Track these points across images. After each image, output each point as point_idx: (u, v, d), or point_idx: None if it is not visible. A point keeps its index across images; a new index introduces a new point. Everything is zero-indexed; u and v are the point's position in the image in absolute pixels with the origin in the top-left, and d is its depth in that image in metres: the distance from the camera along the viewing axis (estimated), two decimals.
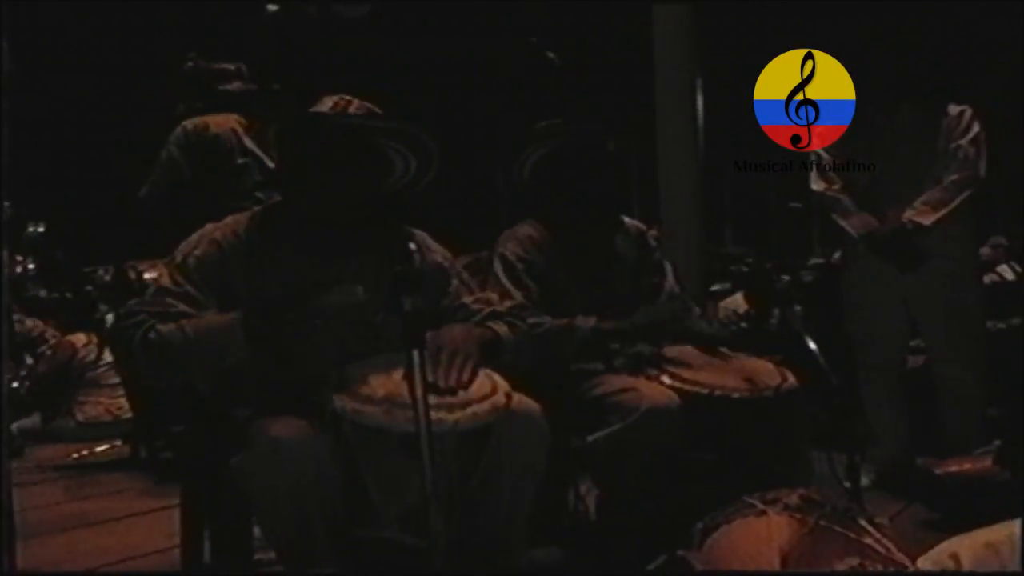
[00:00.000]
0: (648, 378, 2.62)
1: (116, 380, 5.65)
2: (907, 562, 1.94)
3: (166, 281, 2.20)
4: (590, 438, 2.54)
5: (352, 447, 1.95)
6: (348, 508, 1.97)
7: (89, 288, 7.08)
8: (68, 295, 7.96)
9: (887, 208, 3.60)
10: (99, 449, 5.53)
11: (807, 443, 2.74)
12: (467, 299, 2.41)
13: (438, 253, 2.45)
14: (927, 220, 3.50)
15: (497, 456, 2.05)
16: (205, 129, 3.96)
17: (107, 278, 5.30)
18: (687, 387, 2.58)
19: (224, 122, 3.99)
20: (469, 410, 1.95)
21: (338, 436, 1.96)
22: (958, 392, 3.64)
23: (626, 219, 3.08)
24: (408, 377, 1.71)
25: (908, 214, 3.52)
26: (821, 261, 7.15)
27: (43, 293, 8.53)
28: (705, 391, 2.57)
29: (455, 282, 2.43)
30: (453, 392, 1.97)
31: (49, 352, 6.34)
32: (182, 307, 2.15)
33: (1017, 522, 1.61)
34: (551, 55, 4.16)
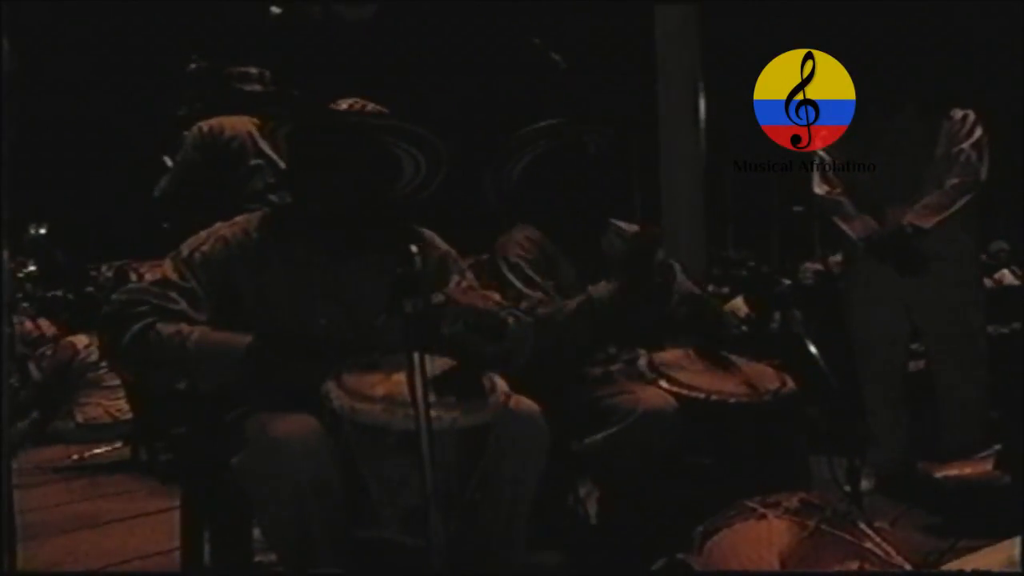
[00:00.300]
0: (645, 382, 2.62)
1: (116, 382, 5.64)
2: (906, 566, 1.94)
3: (171, 273, 2.20)
4: (587, 441, 2.54)
5: (352, 447, 1.95)
6: (348, 508, 1.97)
7: (90, 289, 7.09)
8: (69, 296, 7.98)
9: (888, 211, 3.60)
10: (99, 451, 5.52)
11: (806, 447, 2.73)
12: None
13: (442, 250, 2.46)
14: (927, 223, 3.49)
15: (496, 456, 2.06)
16: (221, 130, 3.97)
17: (109, 274, 5.29)
18: (684, 391, 2.57)
19: (239, 124, 4.00)
20: (468, 409, 1.96)
21: (338, 436, 1.96)
22: (958, 396, 3.64)
23: (623, 224, 3.08)
24: (409, 379, 1.71)
25: (908, 217, 3.52)
26: (819, 267, 7.15)
27: (57, 294, 8.56)
28: (702, 396, 2.57)
29: (456, 278, 2.43)
30: (452, 394, 1.98)
31: (50, 352, 6.34)
32: (183, 304, 2.15)
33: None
34: (556, 56, 4.16)
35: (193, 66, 4.31)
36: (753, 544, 2.04)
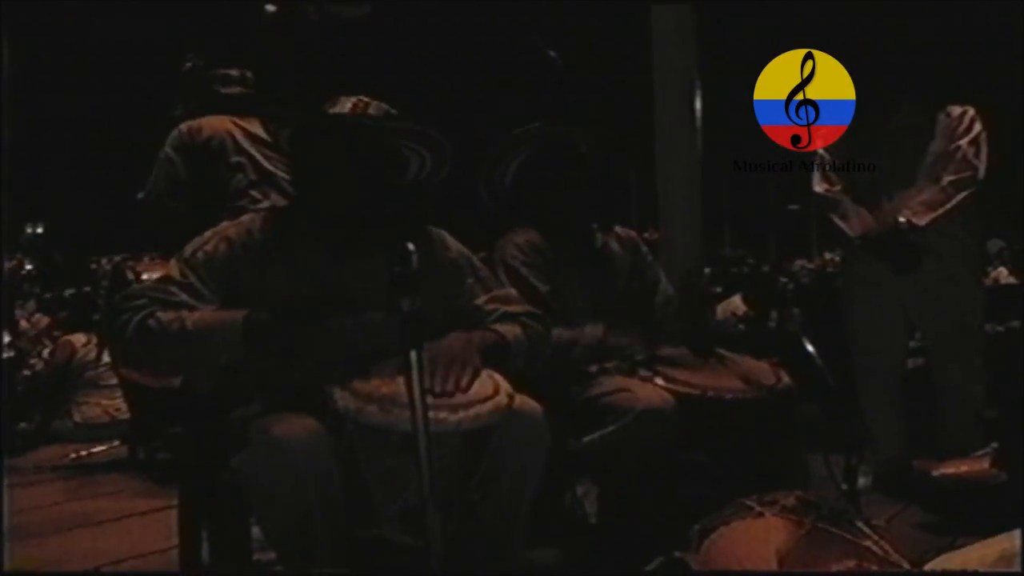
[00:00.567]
0: (642, 379, 2.63)
1: (114, 381, 5.63)
2: (904, 564, 1.94)
3: (173, 272, 2.21)
4: (585, 439, 2.54)
5: (353, 446, 1.96)
6: (349, 507, 1.97)
7: (87, 288, 7.09)
8: (67, 294, 7.98)
9: (885, 208, 3.60)
10: (97, 450, 5.52)
11: (803, 443, 2.74)
12: (481, 299, 2.40)
13: (454, 251, 2.45)
14: (922, 220, 3.49)
15: (498, 456, 2.06)
16: (199, 131, 3.98)
17: (109, 267, 5.29)
18: (681, 388, 2.58)
19: (219, 123, 4.01)
20: (472, 411, 1.96)
21: (340, 435, 1.96)
22: (956, 394, 3.64)
23: (618, 227, 3.09)
24: (407, 377, 1.71)
25: (904, 214, 3.52)
26: (810, 266, 7.17)
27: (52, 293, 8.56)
28: (698, 392, 2.57)
29: (470, 280, 2.43)
30: (452, 394, 1.98)
31: (48, 352, 6.34)
32: (184, 297, 2.16)
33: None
34: (553, 54, 4.16)
35: (189, 65, 4.31)
36: (750, 542, 2.04)
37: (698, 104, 4.59)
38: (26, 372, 6.41)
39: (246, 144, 3.81)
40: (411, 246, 1.79)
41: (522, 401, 2.09)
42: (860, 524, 2.05)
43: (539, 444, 2.12)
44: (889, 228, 3.54)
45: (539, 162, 2.90)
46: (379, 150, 2.30)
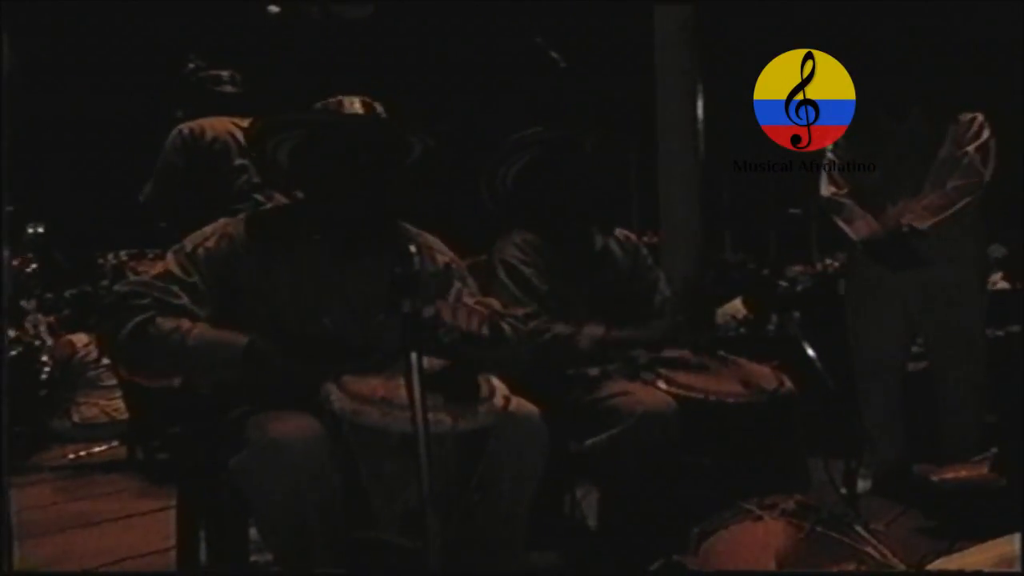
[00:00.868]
0: (644, 383, 2.62)
1: (113, 381, 5.63)
2: (902, 568, 1.94)
3: (174, 267, 2.19)
4: (587, 443, 2.54)
5: (351, 448, 1.95)
6: (346, 509, 1.97)
7: (88, 288, 7.08)
8: (67, 294, 7.97)
9: (889, 212, 3.60)
10: (95, 450, 5.52)
11: (804, 448, 2.73)
12: (467, 301, 2.41)
13: (445, 256, 2.47)
14: (923, 224, 3.49)
15: (496, 459, 2.06)
16: (201, 133, 3.99)
17: (114, 262, 5.29)
18: (683, 392, 2.57)
19: (220, 125, 4.03)
20: (468, 413, 1.96)
21: (337, 437, 1.96)
22: (957, 399, 3.64)
23: (618, 230, 3.09)
24: (407, 379, 1.71)
25: (906, 217, 3.52)
26: (805, 271, 7.18)
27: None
28: (700, 396, 2.57)
29: (457, 285, 2.43)
30: (452, 397, 1.98)
31: (48, 352, 6.33)
32: (185, 299, 2.15)
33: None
34: (555, 55, 4.17)
35: (190, 66, 4.32)
36: (749, 545, 2.04)
37: (700, 106, 4.60)
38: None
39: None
40: (413, 248, 1.79)
41: (519, 403, 2.09)
42: (859, 528, 2.06)
43: (536, 446, 2.12)
44: (891, 231, 3.54)
45: (543, 165, 2.89)
46: (391, 150, 2.32)
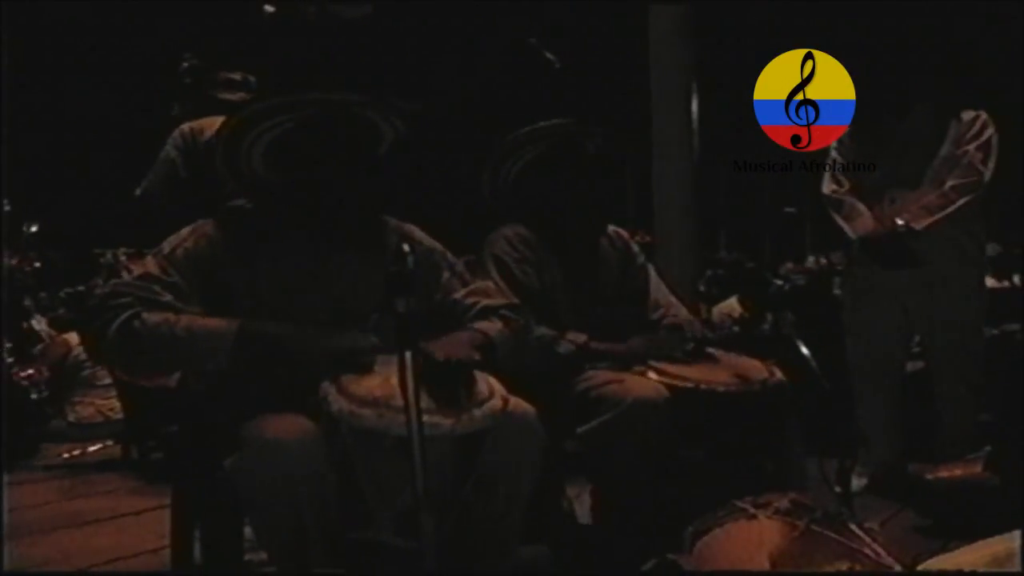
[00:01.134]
0: (635, 372, 2.63)
1: (108, 380, 5.62)
2: (896, 567, 1.95)
3: (153, 269, 2.18)
4: (579, 430, 2.54)
5: (347, 449, 1.95)
6: (342, 510, 1.97)
7: (81, 288, 7.06)
8: (61, 294, 7.96)
9: (888, 211, 3.60)
10: (90, 449, 5.51)
11: (797, 439, 2.73)
12: (459, 293, 2.40)
13: (427, 245, 2.45)
14: (919, 224, 3.50)
15: (493, 459, 2.05)
16: (201, 132, 3.98)
17: (112, 261, 5.28)
18: (674, 381, 2.58)
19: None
20: (466, 415, 1.95)
21: (334, 438, 1.95)
22: (955, 399, 3.64)
23: (610, 227, 3.08)
24: (401, 378, 1.71)
25: (903, 217, 3.52)
26: (789, 266, 7.17)
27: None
28: (691, 385, 2.57)
29: (446, 274, 2.43)
30: (453, 397, 1.98)
31: (42, 351, 6.32)
32: (168, 297, 2.13)
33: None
34: (550, 56, 4.17)
35: (186, 65, 4.31)
36: (743, 544, 2.04)
37: (695, 105, 4.60)
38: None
39: None
40: (407, 247, 1.79)
41: (516, 404, 2.09)
42: (853, 527, 2.06)
43: (533, 447, 2.12)
44: (887, 230, 3.54)
45: (547, 161, 2.89)
46: (364, 135, 2.31)
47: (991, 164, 3.55)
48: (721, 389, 2.58)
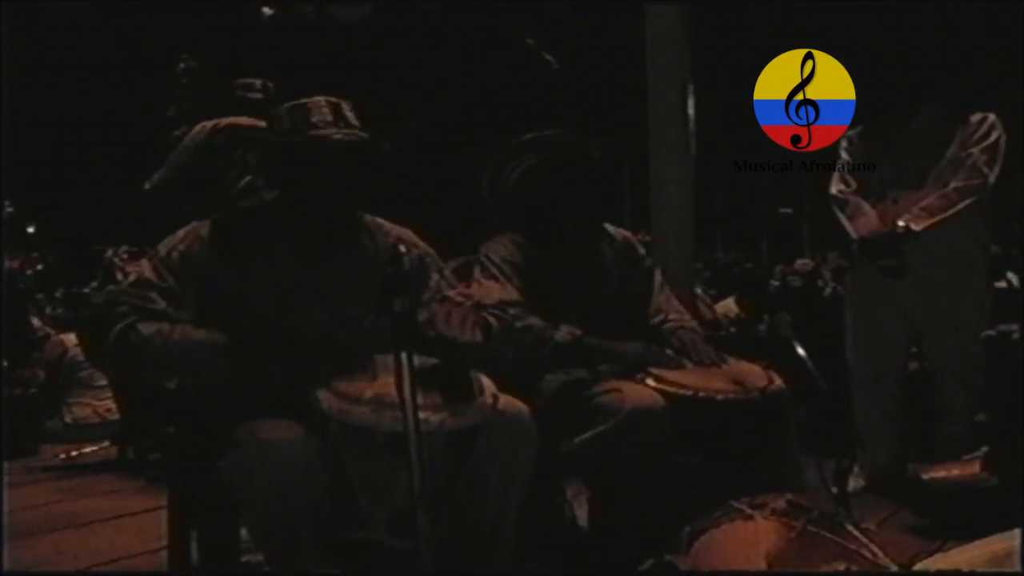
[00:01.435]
0: (633, 380, 2.62)
1: (105, 381, 5.62)
2: (893, 567, 1.95)
3: (149, 273, 2.19)
4: (577, 439, 2.54)
5: (339, 448, 1.95)
6: (335, 509, 1.97)
7: (77, 289, 7.06)
8: (58, 294, 7.95)
9: (890, 212, 3.59)
10: (87, 450, 5.51)
11: (796, 445, 2.73)
12: (449, 293, 2.41)
13: (419, 248, 2.45)
14: (918, 225, 3.49)
15: (484, 457, 2.06)
16: (220, 130, 3.99)
17: (115, 259, 5.28)
18: (672, 389, 2.57)
19: (244, 124, 4.02)
20: (456, 411, 1.96)
21: (326, 437, 1.96)
22: (955, 402, 3.64)
23: (611, 228, 3.08)
24: (396, 379, 1.71)
25: (904, 218, 3.51)
26: (780, 267, 7.17)
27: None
28: (690, 393, 2.57)
29: (435, 276, 2.43)
30: (440, 395, 1.97)
31: (40, 351, 6.32)
32: (163, 304, 2.15)
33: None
34: (549, 57, 4.17)
35: (182, 66, 4.31)
36: (740, 545, 2.04)
37: (691, 105, 4.59)
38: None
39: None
40: (402, 248, 1.79)
41: (507, 402, 2.09)
42: (850, 527, 2.06)
43: (526, 445, 2.12)
44: (886, 231, 3.54)
45: (547, 168, 2.88)
46: (364, 159, 2.30)
47: (996, 167, 3.53)
48: (720, 397, 2.57)
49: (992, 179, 3.52)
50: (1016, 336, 3.67)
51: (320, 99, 2.28)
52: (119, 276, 4.52)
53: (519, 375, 2.30)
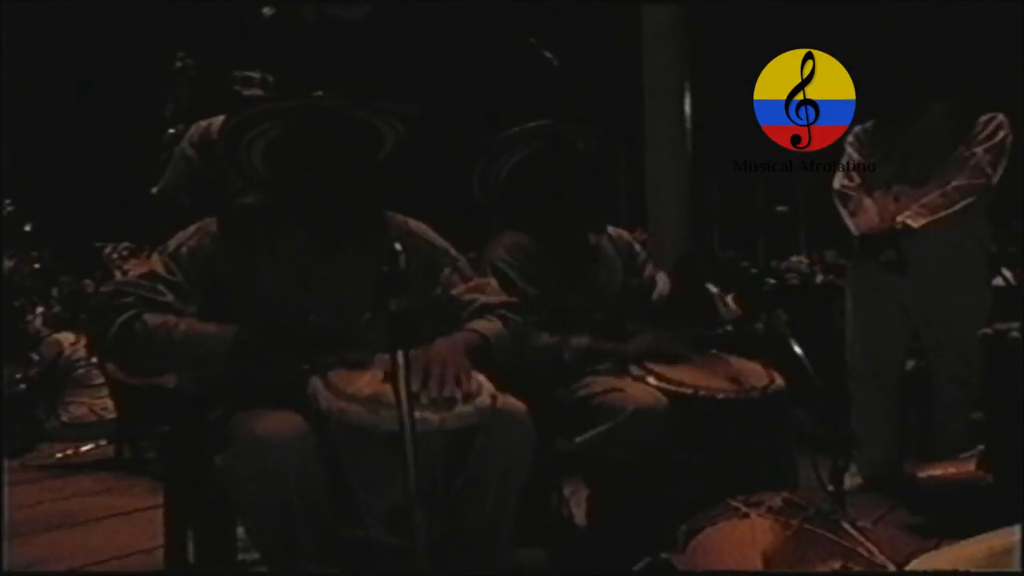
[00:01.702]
0: (634, 379, 2.62)
1: (101, 380, 5.62)
2: (889, 565, 1.95)
3: (158, 268, 2.20)
4: (578, 440, 2.54)
5: (337, 446, 1.95)
6: (333, 507, 1.97)
7: (74, 287, 7.04)
8: (54, 293, 7.93)
9: (891, 209, 3.59)
10: (83, 449, 5.51)
11: (794, 444, 2.74)
12: (458, 289, 2.40)
13: (432, 242, 2.44)
14: (917, 223, 3.48)
15: (482, 456, 2.05)
16: (210, 129, 3.97)
17: (114, 255, 5.27)
18: (673, 388, 2.57)
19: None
20: (455, 410, 1.96)
21: (323, 435, 1.96)
22: (948, 398, 3.64)
23: (611, 228, 3.07)
24: (393, 377, 1.71)
25: (904, 215, 3.51)
26: (774, 263, 7.16)
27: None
28: (690, 391, 2.57)
29: (447, 271, 2.42)
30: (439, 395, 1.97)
31: (36, 350, 6.31)
32: (170, 297, 2.15)
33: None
34: (549, 54, 4.16)
35: (179, 64, 4.30)
36: (737, 543, 2.04)
37: (687, 104, 4.59)
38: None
39: None
40: (398, 246, 1.78)
41: (506, 401, 2.09)
42: (846, 525, 2.06)
43: (524, 444, 2.11)
44: (885, 228, 3.54)
45: (538, 160, 2.88)
46: (362, 140, 2.31)
47: (1000, 167, 3.51)
48: (720, 396, 2.58)
49: (995, 179, 3.51)
50: (1013, 334, 3.67)
51: (319, 92, 2.31)
52: (117, 274, 4.50)
53: (527, 378, 2.29)
